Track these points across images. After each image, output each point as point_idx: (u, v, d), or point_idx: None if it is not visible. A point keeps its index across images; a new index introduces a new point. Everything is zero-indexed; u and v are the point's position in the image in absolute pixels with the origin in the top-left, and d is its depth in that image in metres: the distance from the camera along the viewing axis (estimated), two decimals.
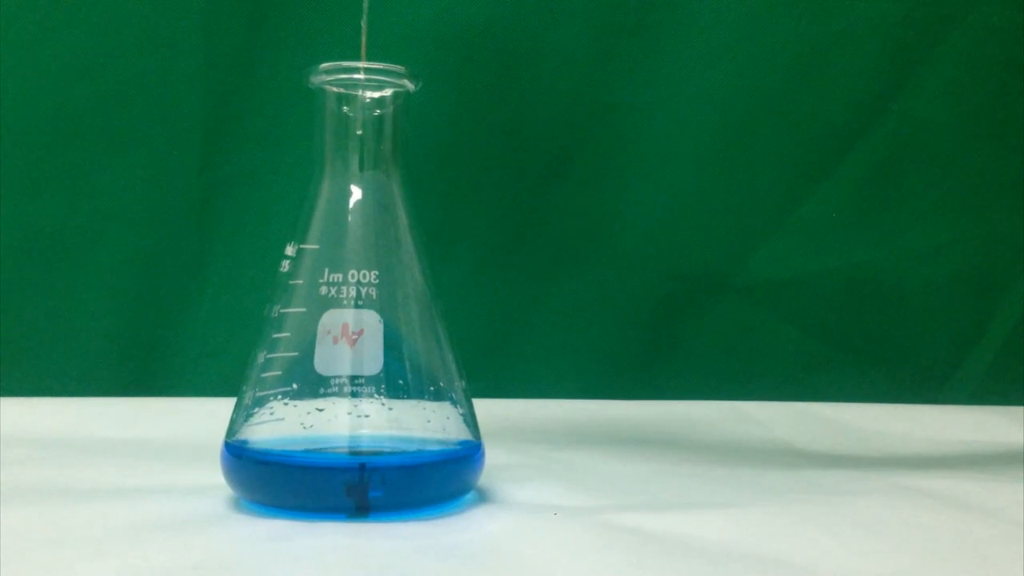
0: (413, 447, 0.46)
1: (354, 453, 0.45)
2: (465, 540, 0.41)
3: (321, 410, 0.45)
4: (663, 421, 0.72)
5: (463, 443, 0.46)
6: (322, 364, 0.44)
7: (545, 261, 0.79)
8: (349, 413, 0.45)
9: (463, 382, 0.47)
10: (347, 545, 0.39)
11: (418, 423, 0.46)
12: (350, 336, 0.45)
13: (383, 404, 0.45)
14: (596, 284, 0.80)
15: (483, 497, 0.47)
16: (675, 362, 0.81)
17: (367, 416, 0.45)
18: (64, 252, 0.75)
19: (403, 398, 0.45)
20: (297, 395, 0.45)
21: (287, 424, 0.45)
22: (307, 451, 0.45)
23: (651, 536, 0.41)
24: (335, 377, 0.44)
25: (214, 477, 0.46)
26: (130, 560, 0.37)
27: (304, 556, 0.38)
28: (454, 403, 0.47)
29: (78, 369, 0.75)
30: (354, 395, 0.45)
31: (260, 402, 0.45)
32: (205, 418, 0.64)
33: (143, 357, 0.76)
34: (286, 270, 0.46)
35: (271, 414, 0.45)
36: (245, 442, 0.45)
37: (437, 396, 0.46)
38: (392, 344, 0.45)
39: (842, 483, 0.53)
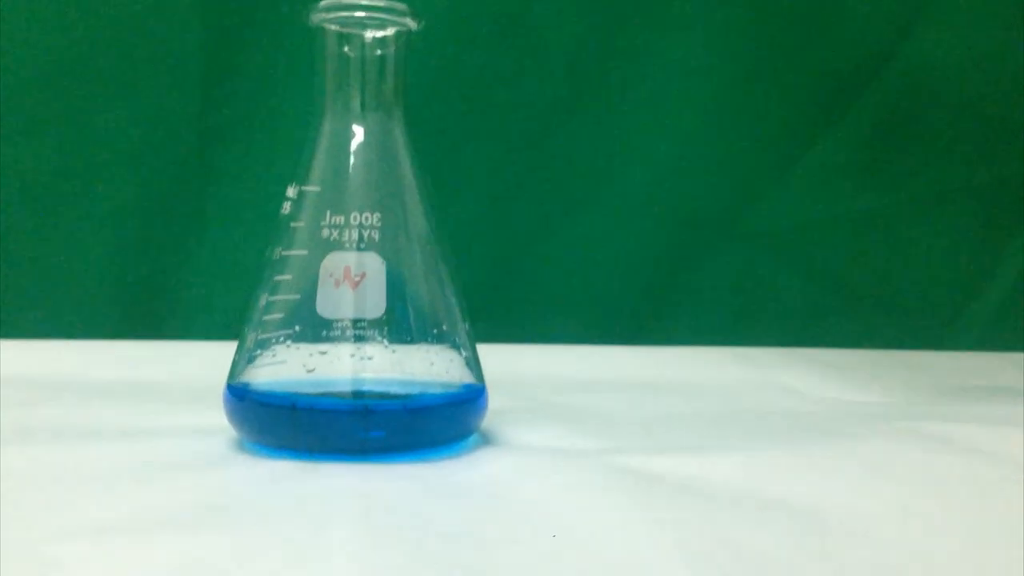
0: (416, 390, 0.45)
1: (357, 396, 0.45)
2: (469, 480, 0.41)
3: (324, 353, 0.45)
4: (667, 366, 0.72)
5: (466, 386, 0.46)
6: (324, 307, 0.44)
7: (549, 206, 0.79)
8: (352, 356, 0.44)
9: (467, 325, 0.47)
10: (351, 486, 0.39)
11: (421, 366, 0.45)
12: (352, 279, 0.45)
13: (386, 347, 0.45)
14: (600, 229, 0.79)
15: (486, 439, 0.47)
16: (680, 308, 0.81)
17: (370, 359, 0.44)
18: (63, 195, 0.74)
19: (406, 341, 0.45)
20: (299, 338, 0.45)
21: (289, 367, 0.45)
22: (310, 394, 0.45)
23: (655, 477, 0.41)
24: (337, 320, 0.44)
25: (217, 419, 0.46)
26: (134, 500, 0.37)
27: (308, 497, 0.38)
28: (457, 347, 0.46)
29: (79, 312, 0.75)
30: (357, 338, 0.44)
31: (262, 344, 0.45)
32: (207, 361, 0.63)
33: (145, 300, 0.76)
34: (287, 212, 0.45)
35: (273, 356, 0.45)
36: (247, 384, 0.45)
37: (440, 339, 0.46)
38: (395, 287, 0.45)
39: (846, 427, 0.53)
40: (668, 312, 0.81)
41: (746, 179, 0.81)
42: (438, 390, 0.46)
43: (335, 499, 0.38)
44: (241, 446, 0.45)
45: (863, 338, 0.81)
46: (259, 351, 0.45)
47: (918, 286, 0.83)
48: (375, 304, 0.45)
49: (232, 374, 0.46)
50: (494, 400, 0.47)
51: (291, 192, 0.45)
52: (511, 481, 0.41)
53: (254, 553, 0.32)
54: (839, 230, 0.82)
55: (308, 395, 0.44)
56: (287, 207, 0.45)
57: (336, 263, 0.44)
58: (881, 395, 0.64)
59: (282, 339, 0.45)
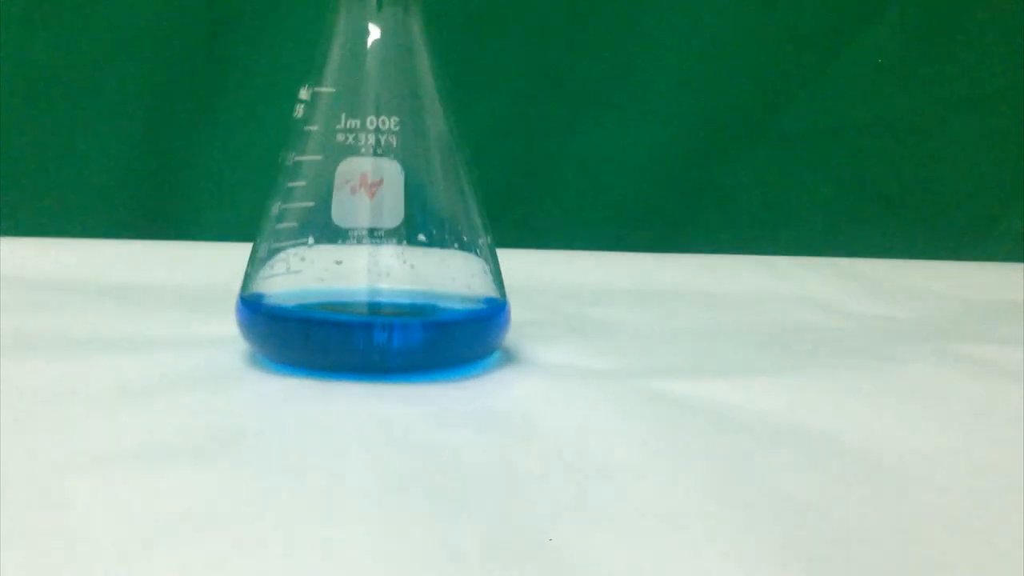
0: (436, 304, 0.44)
1: (373, 311, 0.43)
2: (490, 406, 0.39)
3: (339, 263, 0.43)
4: (693, 276, 0.70)
5: (488, 300, 0.44)
6: (340, 215, 0.42)
7: (571, 108, 0.76)
8: (368, 267, 0.42)
9: (488, 237, 0.45)
10: (366, 409, 0.37)
11: (440, 279, 0.43)
12: (369, 186, 0.42)
13: (403, 258, 0.42)
14: (624, 132, 0.76)
15: (508, 357, 0.45)
16: (705, 214, 0.78)
17: (387, 271, 0.42)
18: (68, 89, 0.71)
19: (425, 253, 0.43)
20: (313, 248, 0.43)
21: (303, 277, 0.43)
22: (325, 307, 0.43)
23: (684, 403, 0.39)
24: (353, 229, 0.42)
25: (229, 328, 0.44)
26: (140, 420, 0.36)
27: (322, 425, 0.36)
28: (478, 258, 0.44)
29: (85, 209, 0.73)
30: (373, 249, 0.42)
31: (275, 254, 0.43)
32: (217, 263, 0.61)
33: (152, 198, 0.74)
34: (300, 115, 0.43)
35: (287, 267, 0.43)
36: (260, 296, 0.43)
37: (461, 250, 0.43)
38: (413, 195, 0.42)
39: (883, 347, 0.51)
40: (693, 219, 0.78)
41: (778, 78, 0.77)
42: (459, 305, 0.44)
43: (350, 429, 0.36)
44: (254, 360, 0.43)
45: (895, 247, 0.79)
46: (271, 261, 0.43)
47: (954, 194, 0.80)
48: (393, 213, 0.42)
49: (245, 286, 0.43)
50: (515, 313, 0.45)
51: (304, 94, 0.43)
52: (536, 410, 0.39)
53: (264, 495, 0.30)
54: (873, 134, 0.79)
55: (323, 309, 0.42)
56: (300, 110, 0.43)
57: (352, 169, 0.42)
58: (914, 310, 0.62)
59: (295, 249, 0.43)
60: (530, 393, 0.40)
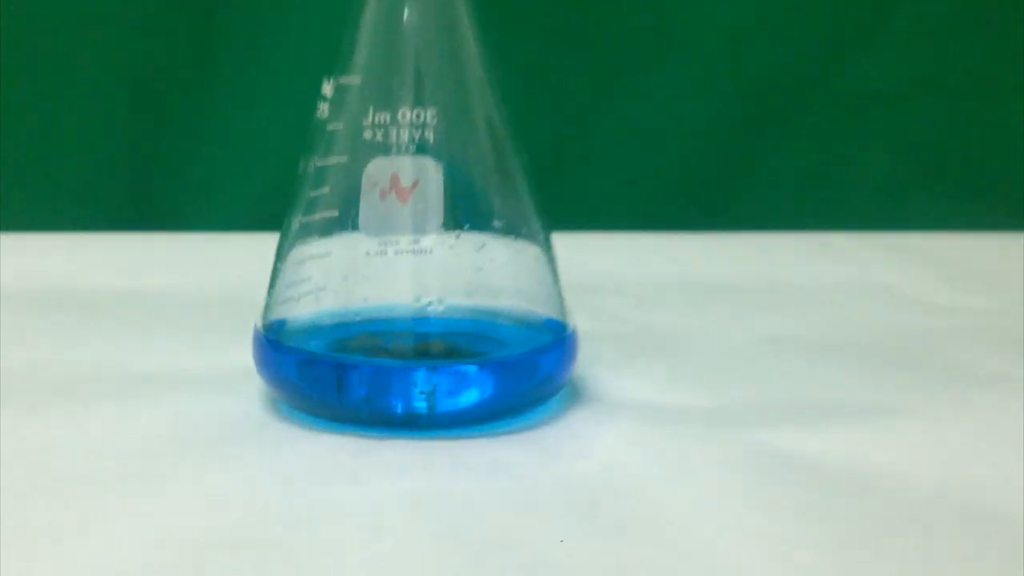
0: (488, 333, 0.38)
1: (419, 346, 0.37)
2: (573, 474, 0.32)
3: (369, 281, 0.37)
4: (744, 261, 0.64)
5: (550, 324, 0.38)
6: (368, 224, 0.36)
7: (605, 73, 0.71)
8: (403, 289, 0.37)
9: (547, 243, 0.38)
10: (413, 489, 0.31)
11: (491, 298, 0.38)
12: (401, 189, 0.36)
13: (445, 275, 0.37)
14: (663, 99, 0.71)
15: (574, 392, 0.39)
16: (751, 187, 0.73)
17: (425, 291, 0.37)
18: (45, 62, 0.66)
19: (467, 265, 0.37)
20: (339, 265, 0.37)
21: (331, 303, 0.37)
22: (358, 342, 0.37)
23: (816, 468, 0.33)
24: (384, 240, 0.36)
25: (240, 356, 0.37)
26: (129, 526, 0.29)
27: (357, 513, 0.29)
28: (536, 270, 0.38)
29: (66, 200, 0.68)
30: (409, 263, 0.36)
31: (297, 280, 0.37)
32: (221, 261, 0.58)
33: (142, 186, 0.69)
34: (324, 115, 0.36)
35: (311, 294, 0.37)
36: (282, 328, 0.37)
37: (513, 263, 0.37)
38: (456, 198, 0.36)
39: (999, 360, 0.44)
40: (738, 193, 0.73)
41: (829, 40, 0.72)
42: (518, 334, 0.38)
43: (393, 513, 0.29)
44: (276, 408, 0.37)
45: (953, 219, 0.73)
46: (294, 288, 0.37)
47: (1018, 162, 0.74)
48: (430, 218, 0.36)
49: (265, 317, 0.37)
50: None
51: (327, 89, 0.37)
52: (618, 475, 0.32)
53: None
54: (930, 98, 0.73)
55: (356, 345, 0.37)
56: (324, 109, 0.37)
57: (381, 170, 0.36)
58: (996, 299, 0.56)
59: (320, 269, 0.37)
60: (615, 454, 0.34)
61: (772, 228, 0.70)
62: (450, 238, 0.36)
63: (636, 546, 0.28)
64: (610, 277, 0.58)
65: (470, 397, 0.35)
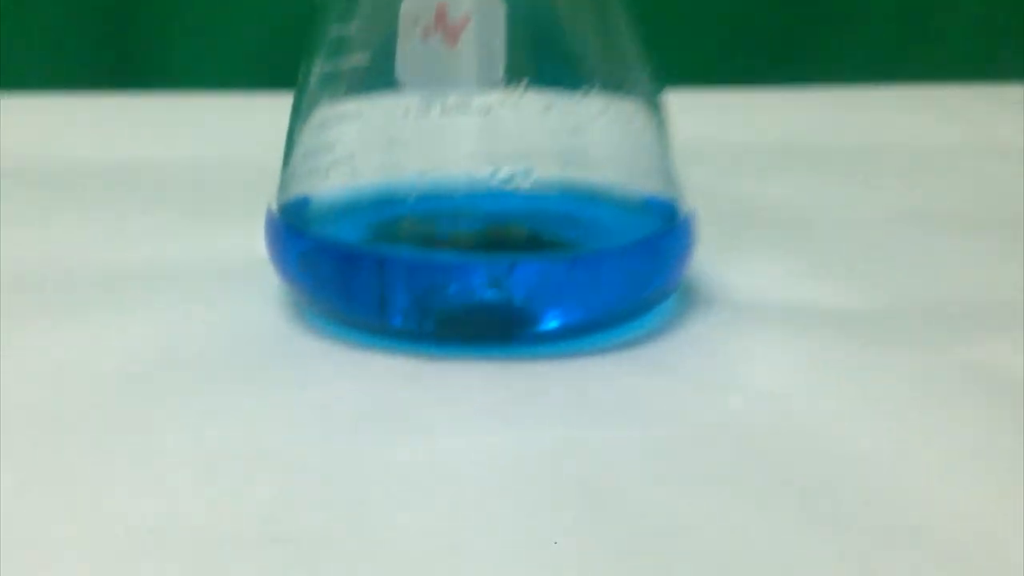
0: (583, 222, 0.30)
1: (489, 229, 0.29)
2: (712, 411, 0.24)
3: (413, 144, 0.29)
4: (841, 120, 0.56)
5: (657, 203, 0.30)
6: (406, 71, 0.29)
7: None
8: (461, 154, 0.29)
9: (652, 91, 0.30)
10: (492, 445, 0.23)
11: (580, 168, 0.30)
12: (448, 27, 0.29)
13: (513, 138, 0.29)
14: None
15: (690, 291, 0.31)
16: (834, 35, 0.66)
17: (489, 159, 0.29)
18: None
19: (541, 124, 0.30)
20: (373, 126, 0.30)
21: (366, 179, 0.30)
22: (405, 232, 0.30)
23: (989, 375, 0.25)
24: (430, 93, 0.29)
25: (248, 244, 0.31)
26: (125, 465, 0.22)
27: (430, 456, 0.22)
28: (636, 129, 0.30)
29: (31, 53, 0.62)
30: (467, 124, 0.29)
31: (320, 147, 0.29)
32: (219, 126, 0.51)
33: (117, 35, 0.63)
34: None
35: (341, 161, 0.29)
36: (302, 221, 0.29)
37: (605, 120, 0.30)
38: (523, 35, 0.29)
39: None
40: (818, 42, 0.66)
41: None
42: (621, 218, 0.30)
43: (472, 458, 0.22)
44: (300, 316, 0.29)
45: None
46: (317, 158, 0.29)
47: None
48: (488, 64, 0.29)
49: (281, 194, 0.30)
50: None
51: None
52: (795, 415, 0.24)
53: None
54: None
55: (403, 235, 0.29)
56: None
57: (422, 4, 0.29)
58: None
59: (351, 133, 0.29)
60: (776, 381, 0.26)
61: (856, 80, 0.63)
62: (515, 94, 0.29)
63: (882, 544, 0.19)
64: (698, 142, 0.50)
65: (567, 302, 0.27)
